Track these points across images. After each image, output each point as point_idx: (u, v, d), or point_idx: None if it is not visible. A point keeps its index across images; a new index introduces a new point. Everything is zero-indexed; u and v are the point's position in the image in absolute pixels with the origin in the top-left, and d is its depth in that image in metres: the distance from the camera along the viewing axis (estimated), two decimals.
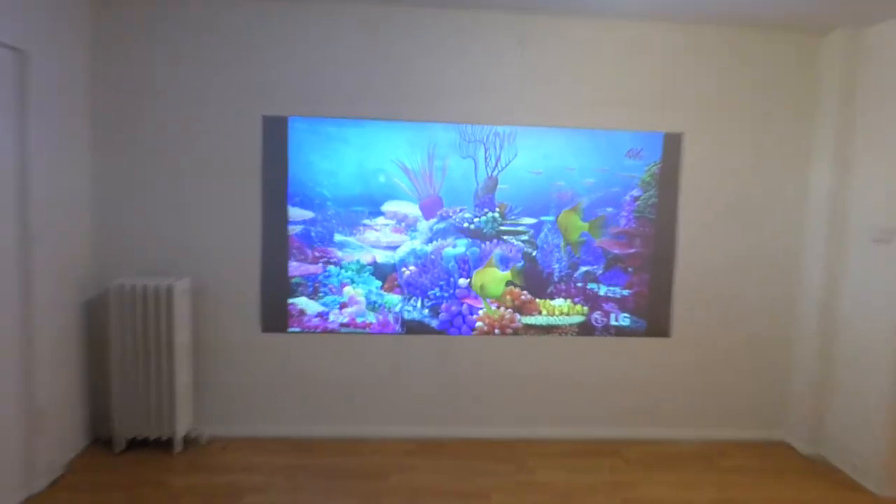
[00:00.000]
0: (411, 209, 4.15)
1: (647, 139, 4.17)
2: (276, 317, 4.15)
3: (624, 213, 4.26)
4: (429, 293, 4.20)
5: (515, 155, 4.15)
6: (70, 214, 3.75)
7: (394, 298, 4.22)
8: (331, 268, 4.16)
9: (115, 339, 3.73)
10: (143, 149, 3.93)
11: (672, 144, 4.21)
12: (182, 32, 3.89)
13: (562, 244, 4.18)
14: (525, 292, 4.29)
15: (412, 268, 4.18)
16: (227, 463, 3.86)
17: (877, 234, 3.80)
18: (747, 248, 4.33)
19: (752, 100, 4.22)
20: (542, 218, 4.23)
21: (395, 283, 4.19)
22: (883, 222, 3.77)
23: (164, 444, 3.92)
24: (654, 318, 4.35)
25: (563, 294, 4.32)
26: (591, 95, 4.10)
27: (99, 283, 3.91)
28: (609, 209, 4.24)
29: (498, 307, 4.27)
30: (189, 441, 4.02)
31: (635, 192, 4.25)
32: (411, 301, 4.22)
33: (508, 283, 4.17)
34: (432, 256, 4.17)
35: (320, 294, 4.18)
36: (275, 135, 4.01)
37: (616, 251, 4.30)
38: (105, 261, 3.95)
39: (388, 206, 4.12)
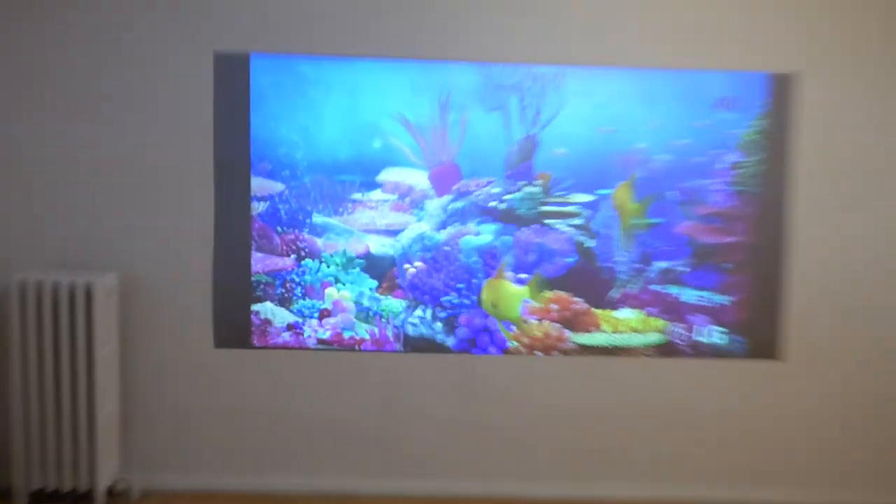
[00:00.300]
0: (418, 179, 3.42)
1: (745, 83, 3.33)
2: (234, 327, 3.43)
3: (718, 187, 3.37)
4: (442, 300, 3.46)
5: (563, 106, 3.33)
6: None
7: (395, 305, 3.46)
8: (307, 261, 3.43)
9: (14, 353, 3.15)
10: (54, 110, 3.34)
11: (780, 90, 3.34)
12: None
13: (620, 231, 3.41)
14: (578, 299, 3.45)
15: (419, 264, 3.44)
16: None
17: None
18: (892, 235, 3.43)
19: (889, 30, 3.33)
20: (601, 192, 3.39)
21: (396, 283, 3.47)
22: None
23: (82, 498, 3.27)
24: (757, 333, 3.43)
25: (632, 302, 3.47)
26: (668, 22, 3.33)
27: None
28: (695, 183, 3.37)
29: (539, 320, 3.44)
30: (115, 494, 3.40)
31: (734, 157, 3.36)
32: (418, 310, 3.46)
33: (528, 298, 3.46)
34: (447, 248, 3.43)
35: (292, 298, 3.45)
36: (232, 79, 3.30)
37: (707, 240, 3.41)
38: (4, 250, 3.38)
39: (386, 175, 3.38)
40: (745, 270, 3.38)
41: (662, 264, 3.40)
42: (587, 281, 3.47)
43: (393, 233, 3.38)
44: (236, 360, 3.46)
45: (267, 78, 3.28)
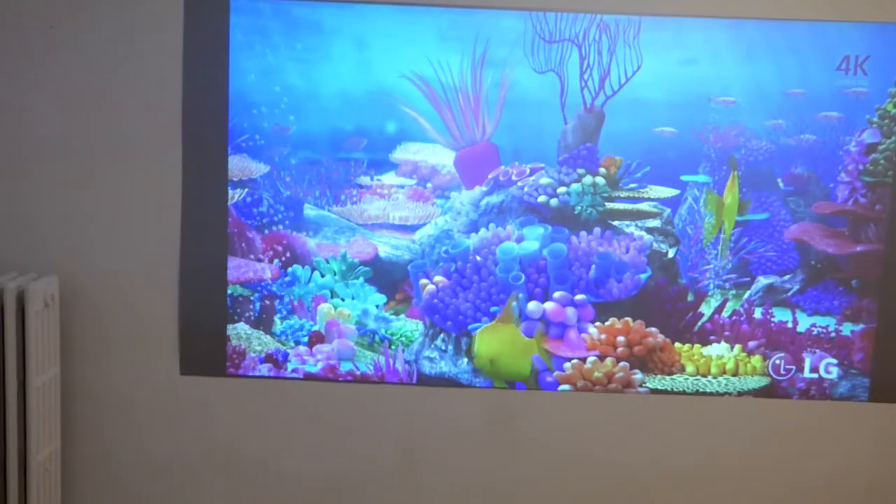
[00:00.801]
0: (445, 157, 2.79)
1: (879, 38, 2.61)
2: (205, 348, 2.83)
3: (844, 177, 2.67)
4: (470, 328, 2.81)
5: (639, 66, 2.63)
6: None
7: (408, 328, 2.82)
8: (296, 268, 2.79)
9: None
10: None
11: None
12: None
13: (710, 235, 2.70)
14: (653, 329, 2.78)
15: (440, 279, 2.80)
16: None
17: None
18: None
19: None
20: (688, 178, 2.72)
21: (409, 299, 2.81)
22: None
23: None
24: (885, 368, 2.74)
25: (725, 332, 2.75)
26: None
27: None
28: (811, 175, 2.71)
29: (601, 358, 2.79)
30: None
31: (867, 137, 2.64)
32: (438, 340, 2.82)
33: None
34: (478, 258, 2.79)
35: (274, 317, 2.83)
36: (205, 23, 2.67)
37: (829, 249, 2.71)
38: None
39: (403, 154, 2.76)
40: (875, 290, 2.70)
41: (765, 280, 2.73)
42: (667, 305, 2.80)
43: (410, 229, 2.78)
44: (208, 391, 2.88)
45: (248, 22, 2.66)
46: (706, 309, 2.75)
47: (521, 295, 2.72)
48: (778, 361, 2.75)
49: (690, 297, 2.74)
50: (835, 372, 2.72)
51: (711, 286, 2.74)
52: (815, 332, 2.71)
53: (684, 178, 2.65)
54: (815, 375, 2.75)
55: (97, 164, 2.77)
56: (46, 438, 2.70)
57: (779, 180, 2.64)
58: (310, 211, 2.75)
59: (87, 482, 2.96)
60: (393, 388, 2.85)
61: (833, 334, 2.70)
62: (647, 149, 2.69)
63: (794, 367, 2.74)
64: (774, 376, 2.74)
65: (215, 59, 2.65)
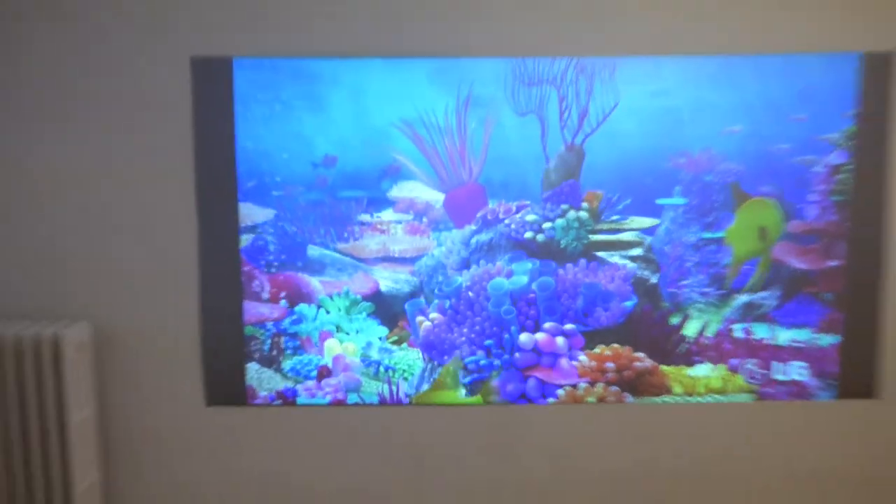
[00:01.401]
0: (435, 194, 2.94)
1: (836, 67, 2.75)
2: (228, 382, 3.00)
3: (814, 197, 2.82)
4: (466, 361, 2.94)
5: (616, 104, 2.75)
6: None
7: (410, 358, 2.95)
8: (301, 307, 2.93)
9: None
10: (9, 130, 2.96)
11: (874, 75, 2.78)
12: None
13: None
14: (640, 354, 2.90)
15: (435, 316, 2.93)
16: None
17: None
18: None
19: None
20: (664, 201, 2.85)
21: (407, 333, 2.95)
22: None
23: None
24: (850, 371, 2.92)
25: (710, 354, 2.87)
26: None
27: None
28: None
29: (592, 384, 2.91)
30: None
31: (833, 159, 2.78)
32: (437, 373, 2.96)
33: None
34: (470, 294, 2.91)
35: (284, 353, 2.95)
36: (212, 87, 2.82)
37: (801, 265, 2.85)
38: None
39: (398, 191, 2.91)
40: (845, 301, 2.85)
41: (745, 298, 2.83)
42: (653, 331, 2.89)
43: (409, 261, 2.90)
44: (232, 420, 3.07)
45: (253, 83, 2.81)
46: (690, 331, 2.83)
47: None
48: (751, 366, 2.86)
49: (675, 320, 2.82)
50: (805, 374, 2.84)
51: (692, 306, 2.83)
52: (795, 346, 2.81)
53: (660, 201, 2.74)
54: (786, 378, 2.87)
55: (122, 219, 2.93)
56: (87, 470, 2.88)
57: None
58: (313, 251, 2.86)
59: None
60: (400, 408, 2.99)
61: (807, 345, 2.82)
62: (626, 178, 2.77)
63: (767, 372, 2.86)
64: (749, 380, 2.85)
65: (222, 117, 2.81)
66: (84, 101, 2.88)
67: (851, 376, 2.88)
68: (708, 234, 2.78)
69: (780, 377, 2.84)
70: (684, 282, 2.81)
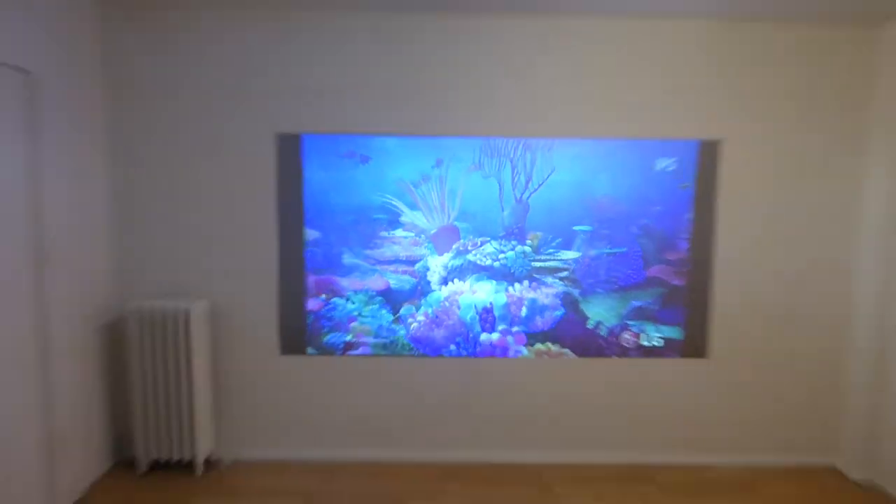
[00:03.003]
0: (428, 225, 3.82)
1: (684, 148, 3.84)
2: (294, 339, 4.06)
3: (683, 236, 3.86)
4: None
5: (552, 170, 3.70)
6: (87, 238, 3.75)
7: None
8: (336, 300, 3.92)
9: (134, 362, 3.73)
10: (158, 171, 3.89)
11: (710, 152, 3.91)
12: (193, 53, 3.81)
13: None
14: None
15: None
16: (247, 486, 3.85)
17: None
18: (794, 262, 4.05)
19: (798, 100, 3.89)
20: (578, 228, 3.69)
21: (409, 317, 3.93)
22: None
23: (186, 467, 3.96)
24: (689, 338, 4.06)
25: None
26: (626, 103, 3.85)
27: (117, 306, 3.94)
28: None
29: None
30: (210, 464, 4.04)
31: (688, 213, 3.84)
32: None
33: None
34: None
35: (323, 332, 3.98)
36: (289, 152, 3.88)
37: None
38: (123, 284, 3.96)
39: (405, 218, 3.83)
40: (687, 297, 3.96)
41: (636, 302, 3.82)
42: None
43: (412, 262, 3.80)
44: (297, 364, 4.08)
45: (313, 149, 3.83)
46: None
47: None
48: (624, 333, 3.97)
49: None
50: (655, 339, 3.98)
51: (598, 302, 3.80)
52: (665, 339, 3.90)
53: (576, 227, 3.76)
54: (643, 340, 4.00)
55: (231, 235, 3.92)
56: (203, 393, 3.86)
57: (633, 228, 3.81)
58: (347, 259, 3.81)
59: (227, 418, 4.10)
60: (409, 358, 4.06)
61: (673, 339, 3.93)
62: (556, 223, 3.65)
63: (629, 335, 3.95)
64: (624, 345, 3.97)
65: (294, 168, 3.87)
66: (212, 156, 3.85)
67: (691, 344, 3.99)
68: (608, 250, 3.73)
69: (645, 343, 3.95)
70: (596, 291, 3.74)
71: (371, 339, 3.87)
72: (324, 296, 3.84)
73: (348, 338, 3.85)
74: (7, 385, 3.11)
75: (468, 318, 3.70)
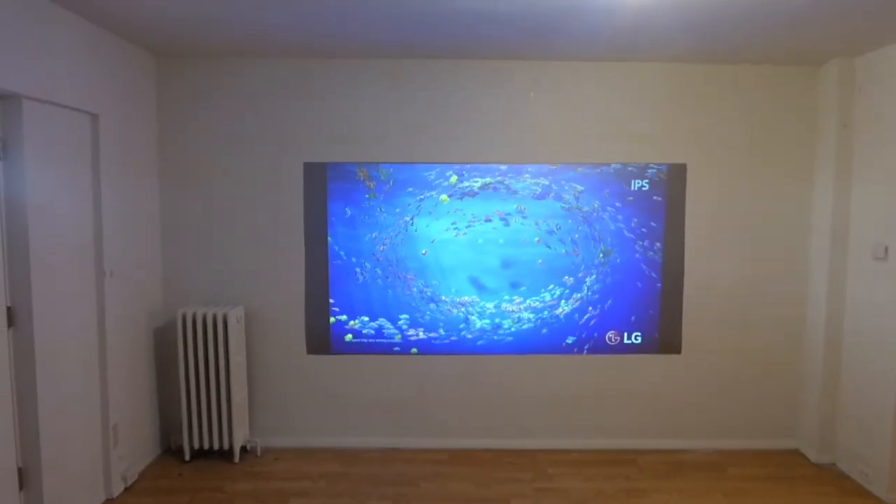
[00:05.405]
0: None
1: (657, 171, 4.46)
2: (319, 341, 4.60)
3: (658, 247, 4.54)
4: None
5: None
6: (143, 254, 4.25)
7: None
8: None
9: (181, 361, 4.20)
10: (203, 195, 4.44)
11: (678, 175, 4.48)
12: (234, 92, 4.38)
13: None
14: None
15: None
16: (278, 471, 4.30)
17: (878, 251, 3.99)
18: (754, 268, 4.56)
19: (754, 130, 4.47)
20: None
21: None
22: (882, 240, 3.97)
23: (226, 454, 4.40)
24: (665, 336, 4.62)
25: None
26: (600, 131, 4.43)
27: (167, 312, 4.45)
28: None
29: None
30: (246, 451, 4.48)
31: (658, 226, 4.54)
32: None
33: None
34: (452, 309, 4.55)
35: (344, 334, 4.64)
36: (314, 178, 4.48)
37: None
38: (173, 293, 4.49)
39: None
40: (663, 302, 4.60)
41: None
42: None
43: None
44: (321, 362, 4.59)
45: (334, 176, 4.48)
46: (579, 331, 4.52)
47: None
48: (607, 332, 4.59)
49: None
50: (634, 337, 4.60)
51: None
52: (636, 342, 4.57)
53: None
54: (625, 339, 4.62)
55: (264, 249, 4.45)
56: (239, 389, 4.31)
57: (602, 245, 4.46)
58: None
59: (261, 410, 4.58)
60: (416, 356, 4.58)
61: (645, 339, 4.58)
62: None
63: (612, 334, 4.59)
64: (608, 343, 4.59)
65: (319, 192, 4.44)
66: (248, 183, 4.42)
67: (666, 341, 4.58)
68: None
69: (626, 341, 4.56)
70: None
71: (384, 340, 4.49)
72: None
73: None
74: (74, 381, 3.57)
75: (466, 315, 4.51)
